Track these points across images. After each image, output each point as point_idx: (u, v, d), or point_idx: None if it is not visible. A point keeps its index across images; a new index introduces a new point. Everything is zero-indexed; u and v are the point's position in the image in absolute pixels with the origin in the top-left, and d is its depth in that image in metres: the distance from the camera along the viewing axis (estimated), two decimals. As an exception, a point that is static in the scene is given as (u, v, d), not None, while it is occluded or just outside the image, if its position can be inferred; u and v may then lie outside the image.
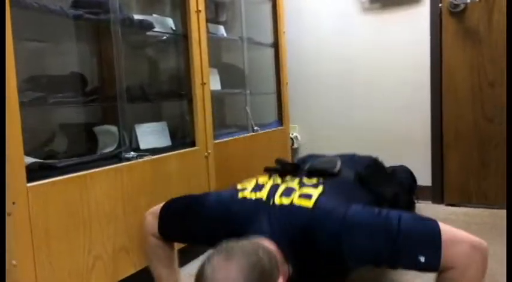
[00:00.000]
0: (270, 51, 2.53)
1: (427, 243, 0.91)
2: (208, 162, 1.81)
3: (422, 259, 0.90)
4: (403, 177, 2.02)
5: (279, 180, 1.22)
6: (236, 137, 2.10)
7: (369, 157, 1.67)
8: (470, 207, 2.34)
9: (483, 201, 2.32)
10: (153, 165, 1.54)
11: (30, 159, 1.22)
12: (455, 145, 2.36)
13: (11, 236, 1.08)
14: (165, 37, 1.86)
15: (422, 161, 2.44)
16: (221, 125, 2.33)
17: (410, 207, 2.05)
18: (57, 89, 1.45)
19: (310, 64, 2.71)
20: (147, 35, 1.78)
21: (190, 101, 1.78)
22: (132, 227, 1.43)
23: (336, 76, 2.65)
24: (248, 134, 2.19)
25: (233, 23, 2.48)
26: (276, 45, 2.51)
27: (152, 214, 1.28)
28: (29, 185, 1.13)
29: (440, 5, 2.32)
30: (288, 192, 1.11)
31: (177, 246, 1.37)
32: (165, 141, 1.76)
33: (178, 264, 1.37)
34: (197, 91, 1.77)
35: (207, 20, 1.88)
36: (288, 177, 1.27)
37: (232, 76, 2.33)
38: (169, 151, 1.65)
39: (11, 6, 1.08)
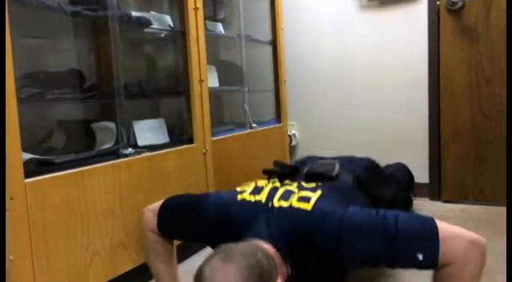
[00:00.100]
0: (268, 49, 2.53)
1: (424, 241, 0.91)
2: (206, 159, 1.81)
3: (420, 257, 0.90)
4: (400, 175, 2.03)
5: (278, 184, 1.23)
6: (234, 134, 2.10)
7: (367, 159, 1.67)
8: (467, 204, 2.35)
9: (480, 198, 2.33)
10: (150, 161, 1.54)
11: (28, 155, 1.22)
12: (453, 142, 2.37)
13: (8, 232, 1.08)
14: (163, 34, 1.86)
15: (420, 158, 2.44)
16: (219, 122, 2.33)
17: (408, 204, 2.06)
18: (54, 85, 1.45)
19: (308, 61, 2.71)
20: (145, 32, 1.78)
21: (188, 98, 1.79)
22: (130, 223, 1.44)
23: (334, 74, 2.65)
24: (246, 131, 2.20)
25: (231, 20, 2.48)
26: (274, 43, 2.51)
27: (151, 211, 1.28)
28: (26, 180, 1.13)
29: (438, 2, 2.32)
30: (287, 195, 1.11)
31: (176, 242, 1.37)
32: (163, 138, 1.77)
33: (176, 260, 1.38)
34: (195, 88, 1.77)
35: (205, 17, 1.88)
36: (287, 181, 1.28)
37: (230, 73, 2.33)
38: (167, 148, 1.65)
39: (9, 3, 1.08)
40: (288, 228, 1.04)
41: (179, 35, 1.80)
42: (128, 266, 1.44)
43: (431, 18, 2.36)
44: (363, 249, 0.96)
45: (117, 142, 1.53)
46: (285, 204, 1.08)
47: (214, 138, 1.90)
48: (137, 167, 1.49)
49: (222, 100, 2.64)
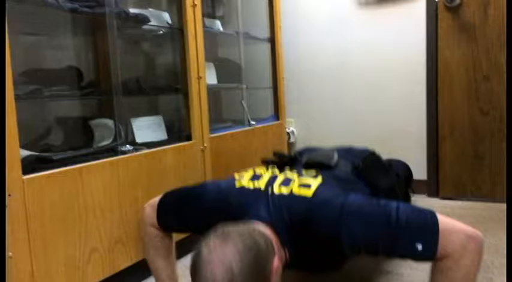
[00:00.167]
0: (267, 46, 2.52)
1: (425, 232, 0.92)
2: (204, 156, 1.82)
3: (419, 247, 0.91)
4: (399, 169, 2.03)
5: (277, 171, 1.23)
6: (232, 131, 2.10)
7: (365, 149, 1.68)
8: (465, 200, 2.35)
9: (478, 194, 2.34)
10: (149, 158, 1.55)
11: (26, 152, 1.22)
12: (451, 139, 2.37)
13: (6, 228, 1.08)
14: (161, 31, 1.86)
15: (418, 155, 2.45)
16: (217, 119, 2.33)
17: (406, 200, 2.06)
18: (52, 82, 1.45)
19: (306, 59, 2.71)
20: (143, 28, 1.78)
21: (186, 95, 1.78)
22: (129, 219, 1.44)
23: (332, 71, 2.65)
24: (244, 128, 2.20)
25: (229, 17, 2.48)
26: (272, 40, 2.51)
27: (151, 206, 1.28)
28: (24, 177, 1.13)
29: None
30: (287, 182, 1.11)
31: (175, 238, 1.37)
32: (161, 135, 1.77)
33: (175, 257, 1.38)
34: (193, 85, 1.77)
35: (203, 15, 1.88)
36: (286, 169, 1.27)
37: (228, 70, 2.33)
38: (165, 145, 1.65)
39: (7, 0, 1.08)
40: (288, 214, 1.03)
41: (177, 32, 1.80)
42: (127, 263, 1.44)
43: (429, 15, 2.36)
44: (362, 235, 0.96)
45: (115, 139, 1.53)
46: (285, 190, 1.08)
47: (213, 135, 1.90)
48: (135, 164, 1.49)
49: (220, 97, 2.64)
